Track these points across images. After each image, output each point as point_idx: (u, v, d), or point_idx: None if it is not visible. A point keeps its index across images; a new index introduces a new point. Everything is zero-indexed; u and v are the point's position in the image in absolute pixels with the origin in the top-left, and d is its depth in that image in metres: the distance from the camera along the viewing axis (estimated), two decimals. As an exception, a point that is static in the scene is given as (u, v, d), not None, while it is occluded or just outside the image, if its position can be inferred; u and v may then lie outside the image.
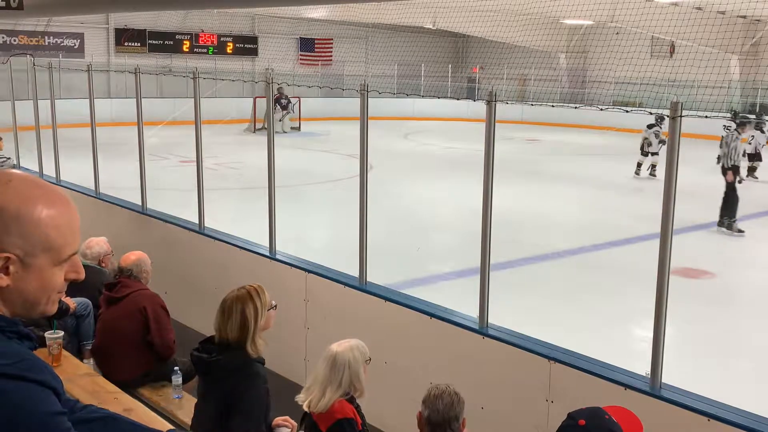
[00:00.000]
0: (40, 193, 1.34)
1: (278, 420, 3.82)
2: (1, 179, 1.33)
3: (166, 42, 31.52)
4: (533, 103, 26.78)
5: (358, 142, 5.60)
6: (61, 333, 4.80)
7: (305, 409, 3.51)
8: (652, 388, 3.93)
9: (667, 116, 3.89)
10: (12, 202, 1.30)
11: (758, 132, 17.59)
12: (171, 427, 3.80)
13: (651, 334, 4.03)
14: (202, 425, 3.73)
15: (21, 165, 11.35)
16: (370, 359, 3.60)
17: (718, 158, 12.76)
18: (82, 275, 1.42)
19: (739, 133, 12.86)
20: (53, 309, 1.41)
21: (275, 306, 3.80)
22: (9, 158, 11.47)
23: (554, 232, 11.51)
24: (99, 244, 5.92)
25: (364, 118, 5.51)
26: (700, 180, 15.15)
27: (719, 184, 12.15)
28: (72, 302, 5.43)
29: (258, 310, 3.63)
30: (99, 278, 5.70)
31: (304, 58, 34.61)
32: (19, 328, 1.33)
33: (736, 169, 12.00)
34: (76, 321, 5.56)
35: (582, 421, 1.99)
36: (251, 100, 25.83)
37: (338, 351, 3.51)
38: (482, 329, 4.76)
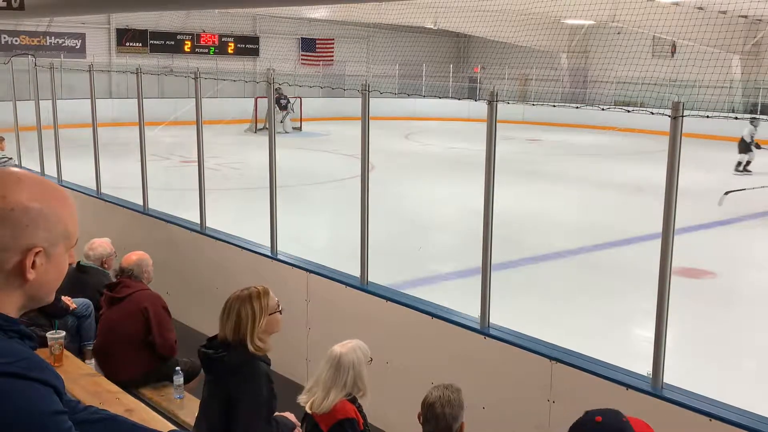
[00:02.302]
0: (48, 185, 1.41)
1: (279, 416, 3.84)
2: (10, 178, 1.36)
3: (167, 42, 31.52)
4: (534, 103, 26.77)
5: (359, 142, 5.60)
6: (63, 333, 4.81)
7: (307, 410, 3.51)
8: (654, 388, 3.93)
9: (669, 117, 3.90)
10: (32, 197, 1.34)
11: None
12: (173, 427, 3.81)
13: (652, 334, 4.03)
14: (206, 422, 3.73)
15: (23, 165, 11.35)
16: (371, 359, 3.60)
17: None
18: (74, 259, 1.48)
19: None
20: (53, 296, 1.45)
21: (282, 309, 3.76)
22: (11, 158, 11.49)
23: (555, 232, 11.50)
24: (102, 245, 5.92)
25: (365, 118, 5.51)
26: (702, 180, 15.15)
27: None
28: (70, 300, 5.44)
29: (255, 313, 3.58)
30: (100, 279, 5.70)
31: (306, 58, 34.61)
32: (20, 327, 1.34)
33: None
34: (77, 321, 5.56)
35: (599, 418, 2.00)
36: (252, 100, 25.84)
37: (342, 352, 3.51)
38: (483, 329, 4.76)
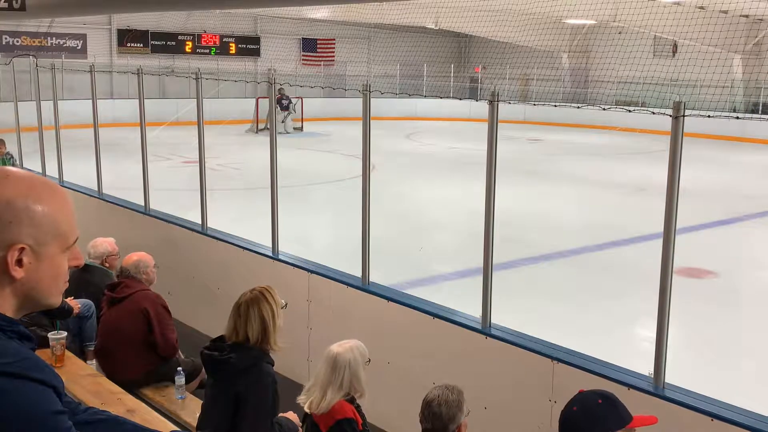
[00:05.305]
0: (39, 183, 1.38)
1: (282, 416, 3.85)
2: None
3: (168, 43, 31.54)
4: (536, 103, 26.76)
5: (360, 143, 5.60)
6: (65, 333, 4.81)
7: (306, 410, 3.51)
8: (656, 387, 3.93)
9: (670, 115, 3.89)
10: (18, 194, 1.33)
11: None
12: (174, 428, 3.82)
13: (654, 334, 4.03)
14: (210, 423, 3.73)
15: (24, 165, 11.36)
16: (369, 360, 3.59)
17: None
18: (82, 261, 1.46)
19: None
20: (59, 300, 1.43)
21: (285, 305, 3.82)
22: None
23: (557, 232, 11.50)
24: (103, 244, 5.92)
25: (366, 119, 5.51)
26: (703, 179, 15.14)
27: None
28: (76, 304, 5.43)
29: (274, 310, 3.68)
30: (102, 278, 5.70)
31: (307, 58, 34.62)
32: (19, 328, 1.34)
33: None
34: (78, 322, 5.56)
35: (582, 389, 2.31)
36: (254, 100, 25.85)
37: (339, 352, 3.52)
38: (485, 329, 4.76)
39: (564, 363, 4.26)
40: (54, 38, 28.90)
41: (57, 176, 9.91)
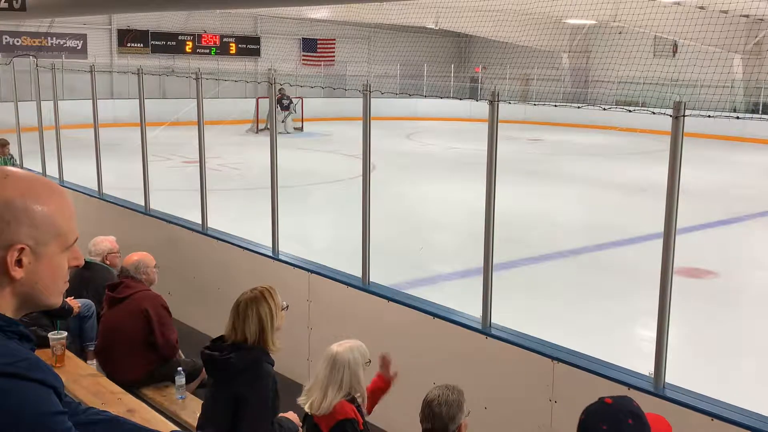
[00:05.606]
0: (39, 183, 1.38)
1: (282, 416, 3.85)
2: None
3: (168, 43, 31.55)
4: (536, 103, 26.74)
5: (360, 143, 5.60)
6: (65, 334, 4.81)
7: (307, 411, 3.51)
8: (656, 387, 3.93)
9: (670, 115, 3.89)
10: (17, 194, 1.32)
11: None
12: (174, 428, 3.82)
13: (654, 334, 4.03)
14: (210, 423, 3.73)
15: (24, 165, 11.35)
16: (369, 361, 3.59)
17: None
18: (82, 261, 1.46)
19: None
20: (59, 300, 1.43)
21: (287, 307, 3.81)
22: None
23: (557, 232, 11.50)
24: (104, 242, 5.93)
25: (366, 119, 5.51)
26: (703, 179, 15.14)
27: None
28: (76, 303, 5.44)
29: (273, 311, 3.67)
30: (104, 276, 5.70)
31: (307, 58, 34.62)
32: (19, 328, 1.34)
33: None
34: (79, 322, 5.56)
35: (609, 400, 2.14)
36: (254, 100, 25.84)
37: (338, 351, 3.52)
38: (485, 329, 4.76)
39: (564, 363, 4.26)
40: (54, 38, 28.90)
41: (57, 176, 9.91)
